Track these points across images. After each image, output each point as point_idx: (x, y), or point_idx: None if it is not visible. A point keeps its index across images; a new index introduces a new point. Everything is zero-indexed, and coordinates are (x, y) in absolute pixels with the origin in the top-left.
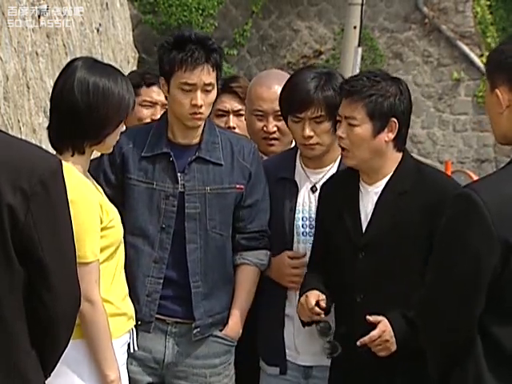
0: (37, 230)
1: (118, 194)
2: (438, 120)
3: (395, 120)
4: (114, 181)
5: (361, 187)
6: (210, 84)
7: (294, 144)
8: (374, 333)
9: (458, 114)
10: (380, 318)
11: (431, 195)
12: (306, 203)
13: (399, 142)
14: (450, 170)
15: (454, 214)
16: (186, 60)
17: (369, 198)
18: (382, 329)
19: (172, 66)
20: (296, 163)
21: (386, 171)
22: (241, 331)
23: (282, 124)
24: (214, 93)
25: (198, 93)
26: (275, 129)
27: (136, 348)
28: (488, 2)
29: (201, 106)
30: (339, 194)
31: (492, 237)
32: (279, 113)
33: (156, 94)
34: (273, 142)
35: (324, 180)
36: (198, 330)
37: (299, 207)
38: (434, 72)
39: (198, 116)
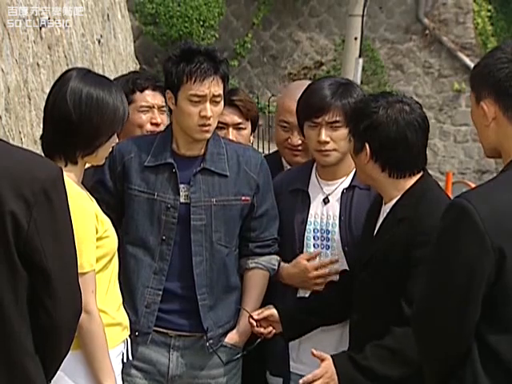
0: (40, 237)
1: (115, 201)
2: (438, 131)
3: (367, 144)
4: (112, 188)
5: (382, 205)
6: (218, 95)
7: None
8: (317, 372)
9: (459, 125)
10: (325, 355)
11: (415, 225)
12: (318, 215)
13: (387, 167)
14: (451, 181)
15: (448, 223)
16: (195, 72)
17: (382, 217)
18: (326, 369)
19: (180, 78)
20: (311, 175)
21: (390, 195)
22: (248, 337)
23: None
24: (222, 104)
25: (208, 104)
26: (299, 142)
27: (130, 357)
28: (489, 14)
29: (209, 118)
30: (371, 205)
31: (485, 245)
32: None
33: (151, 97)
34: (296, 153)
35: (337, 192)
36: (212, 341)
37: (311, 219)
38: (435, 83)
39: (207, 128)
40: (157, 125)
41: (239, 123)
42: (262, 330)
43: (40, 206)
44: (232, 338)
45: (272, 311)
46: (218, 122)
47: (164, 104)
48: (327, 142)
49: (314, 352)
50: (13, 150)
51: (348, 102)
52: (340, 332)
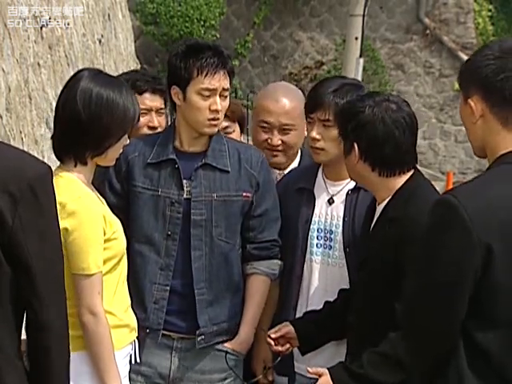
0: (24, 234)
1: (123, 202)
2: (439, 131)
3: (355, 144)
4: (119, 190)
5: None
6: (227, 89)
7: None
8: None
9: (460, 125)
10: (321, 370)
11: (405, 224)
12: (323, 215)
13: (378, 166)
14: (452, 180)
15: (434, 219)
16: (206, 66)
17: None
18: None
19: (191, 72)
20: (318, 175)
21: (382, 195)
22: (248, 346)
23: (287, 137)
24: (228, 100)
25: (217, 98)
26: (279, 142)
27: (138, 359)
28: (489, 14)
29: (219, 112)
30: (368, 208)
31: (472, 240)
32: (285, 126)
33: (149, 100)
34: (276, 153)
35: (342, 193)
36: (203, 337)
37: (315, 218)
38: (436, 83)
39: (216, 122)
40: (154, 128)
41: (227, 127)
42: (280, 348)
43: (26, 203)
44: (232, 346)
45: (289, 328)
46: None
47: (163, 106)
48: (317, 140)
49: (310, 370)
50: (1, 147)
51: (342, 102)
52: None
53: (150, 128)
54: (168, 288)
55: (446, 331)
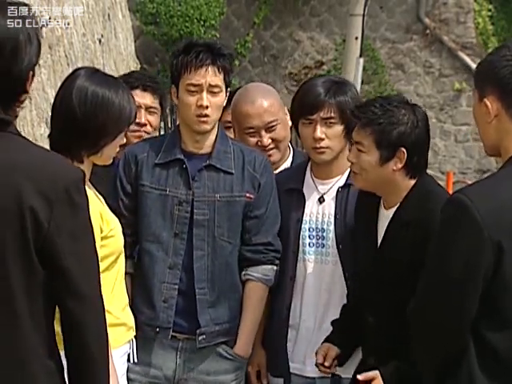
0: (60, 237)
1: (136, 204)
2: (439, 130)
3: (404, 150)
4: (130, 190)
5: (380, 209)
6: (216, 86)
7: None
8: None
9: (460, 125)
10: (371, 374)
11: (423, 227)
12: (314, 214)
13: (412, 170)
14: (452, 180)
15: (445, 219)
16: (190, 61)
17: (384, 222)
18: None
19: (179, 69)
20: (306, 174)
21: (398, 198)
22: (250, 350)
23: (274, 134)
24: (222, 96)
25: (204, 94)
26: (270, 141)
27: (136, 359)
28: (489, 13)
29: (207, 107)
30: (364, 209)
31: (483, 238)
32: (270, 124)
33: (139, 96)
34: (270, 152)
35: (332, 191)
36: (204, 337)
37: (306, 218)
38: (436, 83)
39: (205, 119)
40: (140, 125)
41: None
42: (331, 369)
43: (61, 205)
44: (236, 351)
45: (335, 350)
46: (227, 122)
47: (154, 105)
48: (322, 139)
49: (360, 377)
50: (36, 149)
51: (342, 99)
52: None
53: (137, 124)
54: (176, 287)
55: (456, 328)
